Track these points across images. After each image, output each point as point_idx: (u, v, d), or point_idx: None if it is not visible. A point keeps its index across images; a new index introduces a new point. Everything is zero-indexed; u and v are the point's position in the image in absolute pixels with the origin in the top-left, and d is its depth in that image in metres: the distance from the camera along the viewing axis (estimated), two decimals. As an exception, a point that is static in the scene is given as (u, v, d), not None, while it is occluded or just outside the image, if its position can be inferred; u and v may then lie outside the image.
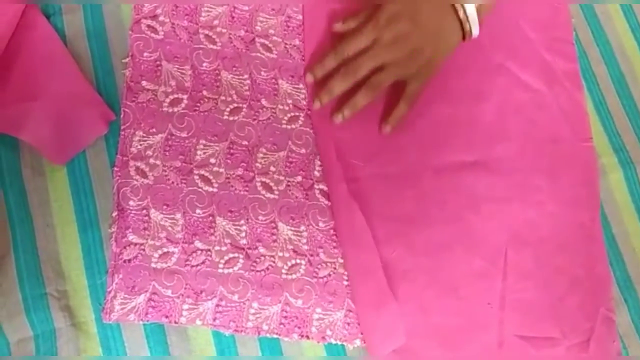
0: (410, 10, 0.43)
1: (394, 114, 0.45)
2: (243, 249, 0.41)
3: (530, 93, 0.51)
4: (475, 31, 0.44)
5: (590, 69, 0.54)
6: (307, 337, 0.40)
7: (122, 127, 0.42)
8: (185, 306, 0.39)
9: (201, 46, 0.45)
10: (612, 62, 0.55)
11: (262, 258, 0.41)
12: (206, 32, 0.46)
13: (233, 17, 0.47)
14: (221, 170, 0.43)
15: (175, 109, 0.43)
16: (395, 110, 0.45)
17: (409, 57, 0.43)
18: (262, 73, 0.46)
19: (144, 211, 0.40)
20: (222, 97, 0.44)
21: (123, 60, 0.43)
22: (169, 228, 0.40)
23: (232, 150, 0.43)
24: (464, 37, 0.45)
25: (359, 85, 0.44)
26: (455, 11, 0.44)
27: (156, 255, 0.40)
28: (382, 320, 0.41)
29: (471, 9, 0.43)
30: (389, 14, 0.43)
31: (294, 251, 0.42)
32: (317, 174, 0.45)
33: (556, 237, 0.48)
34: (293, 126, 0.45)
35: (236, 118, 0.44)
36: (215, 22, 0.46)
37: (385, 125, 0.45)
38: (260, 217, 0.42)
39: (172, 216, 0.41)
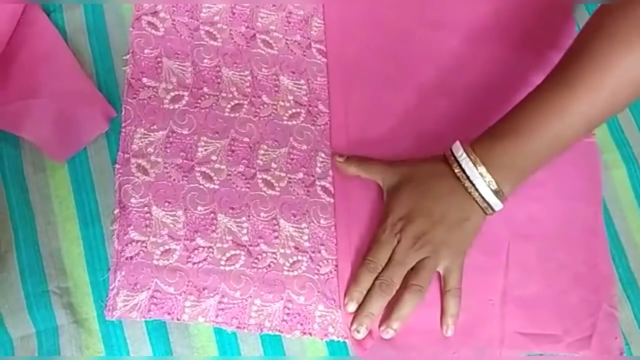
0: (424, 208, 0.41)
1: (450, 315, 0.42)
2: (245, 245, 0.41)
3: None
4: (498, 208, 0.41)
5: (593, 64, 0.54)
6: (310, 334, 0.40)
7: (123, 124, 0.42)
8: (188, 303, 0.39)
9: (202, 42, 0.45)
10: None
11: (264, 255, 0.41)
12: (207, 28, 0.46)
13: (234, 14, 0.47)
14: (222, 167, 0.43)
15: (176, 106, 0.43)
16: (448, 312, 0.42)
17: (435, 252, 0.41)
18: (263, 69, 0.46)
19: (146, 208, 0.40)
20: (223, 94, 0.44)
21: (124, 57, 0.43)
22: (171, 225, 0.40)
23: (233, 147, 0.43)
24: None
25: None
26: (474, 199, 0.41)
27: (158, 252, 0.40)
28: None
29: (489, 195, 0.40)
30: (402, 215, 0.41)
31: (296, 248, 0.42)
32: (318, 170, 0.45)
33: (559, 232, 0.48)
34: (294, 122, 0.45)
35: (237, 115, 0.44)
36: (216, 18, 0.46)
37: (447, 329, 0.42)
38: (262, 214, 0.42)
39: (173, 213, 0.41)
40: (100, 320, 0.38)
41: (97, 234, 0.40)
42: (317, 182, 0.44)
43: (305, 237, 0.43)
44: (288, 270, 0.41)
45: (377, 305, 0.41)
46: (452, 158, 0.41)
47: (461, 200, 0.41)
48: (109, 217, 0.40)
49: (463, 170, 0.40)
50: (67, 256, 0.39)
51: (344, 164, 0.44)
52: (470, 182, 0.40)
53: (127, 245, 0.39)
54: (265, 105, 0.45)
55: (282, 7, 0.48)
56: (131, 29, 0.44)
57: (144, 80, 0.43)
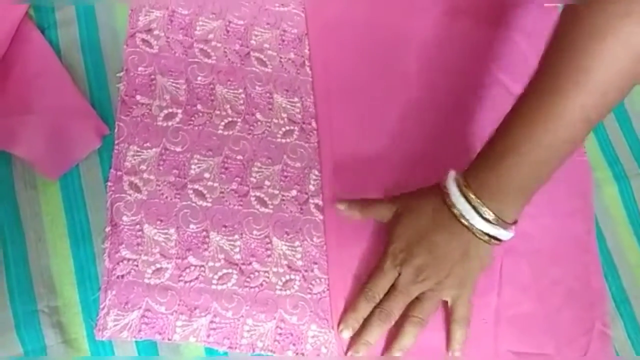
0: (424, 241, 0.40)
1: (456, 342, 0.41)
2: (237, 264, 0.41)
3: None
4: (506, 237, 0.40)
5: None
6: (302, 354, 0.40)
7: (116, 142, 0.42)
8: (179, 323, 0.39)
9: (196, 60, 0.45)
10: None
11: (256, 273, 0.41)
12: (201, 46, 0.46)
13: (228, 31, 0.47)
14: (215, 184, 0.42)
15: (170, 123, 0.43)
16: (454, 339, 0.41)
17: (439, 284, 0.40)
18: (257, 87, 0.46)
19: (138, 226, 0.40)
20: (217, 112, 0.44)
21: (117, 74, 0.43)
22: (163, 243, 0.40)
23: (226, 165, 0.43)
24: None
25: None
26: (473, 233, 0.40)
27: (149, 271, 0.39)
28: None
29: (488, 228, 0.39)
30: (404, 247, 0.41)
31: (288, 266, 0.42)
32: (312, 188, 0.45)
33: (552, 249, 0.48)
34: (288, 140, 0.45)
35: (231, 132, 0.44)
36: (210, 36, 0.46)
37: (453, 354, 0.41)
38: (255, 232, 0.42)
39: (165, 231, 0.40)
40: (90, 340, 0.38)
41: (88, 252, 0.39)
42: (311, 200, 0.44)
43: (299, 256, 0.42)
44: (280, 290, 0.41)
45: (375, 334, 0.40)
46: (446, 193, 0.40)
47: (460, 233, 0.40)
48: (100, 235, 0.40)
49: (457, 207, 0.39)
50: (57, 274, 0.39)
51: (347, 211, 0.43)
52: (466, 219, 0.39)
53: (118, 263, 0.39)
54: (259, 123, 0.45)
55: (277, 25, 0.48)
56: (125, 46, 0.44)
57: (138, 97, 0.43)
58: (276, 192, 0.44)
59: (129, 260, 0.39)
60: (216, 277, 0.40)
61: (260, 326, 0.40)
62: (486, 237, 0.40)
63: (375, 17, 0.50)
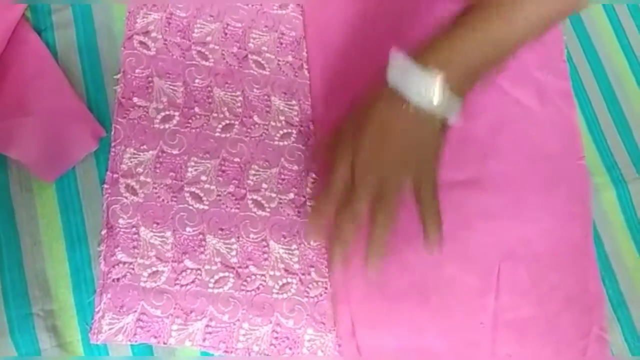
0: (361, 128, 0.38)
1: (430, 235, 0.38)
2: (233, 267, 0.41)
3: (522, 109, 0.51)
4: (451, 117, 0.37)
5: (582, 87, 0.54)
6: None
7: (112, 144, 0.41)
8: (175, 326, 0.38)
9: (193, 62, 0.45)
10: (603, 80, 0.55)
11: (253, 277, 0.41)
12: (199, 48, 0.46)
13: (226, 34, 0.47)
14: (212, 187, 0.42)
15: (167, 126, 0.43)
16: (428, 232, 0.38)
17: (387, 170, 0.37)
18: (255, 90, 0.46)
19: (134, 229, 0.40)
20: (214, 114, 0.44)
21: (114, 77, 0.43)
22: (159, 246, 0.40)
23: (223, 167, 0.43)
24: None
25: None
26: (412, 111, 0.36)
27: (145, 274, 0.39)
28: (372, 343, 0.41)
29: (430, 92, 0.36)
30: (346, 139, 0.39)
31: (285, 270, 0.42)
32: (309, 190, 0.44)
33: (550, 253, 0.48)
34: (285, 143, 0.45)
35: (228, 135, 0.44)
36: (208, 38, 0.46)
37: (431, 250, 0.38)
38: (252, 235, 0.42)
39: (162, 234, 0.40)
40: (84, 343, 0.38)
41: (84, 255, 0.39)
42: (308, 203, 0.44)
43: (295, 259, 0.42)
44: (277, 293, 0.41)
45: (346, 231, 0.38)
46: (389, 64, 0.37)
47: (393, 108, 0.37)
48: (96, 238, 0.39)
49: (393, 67, 0.37)
50: (52, 278, 0.38)
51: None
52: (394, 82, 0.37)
53: (113, 266, 0.39)
54: (257, 126, 0.45)
55: (275, 27, 0.48)
56: (122, 48, 0.44)
57: (135, 99, 0.43)
58: (273, 195, 0.43)
59: (124, 263, 0.39)
60: (212, 280, 0.40)
61: (257, 330, 0.40)
62: (424, 100, 0.36)
63: (374, 19, 0.50)
